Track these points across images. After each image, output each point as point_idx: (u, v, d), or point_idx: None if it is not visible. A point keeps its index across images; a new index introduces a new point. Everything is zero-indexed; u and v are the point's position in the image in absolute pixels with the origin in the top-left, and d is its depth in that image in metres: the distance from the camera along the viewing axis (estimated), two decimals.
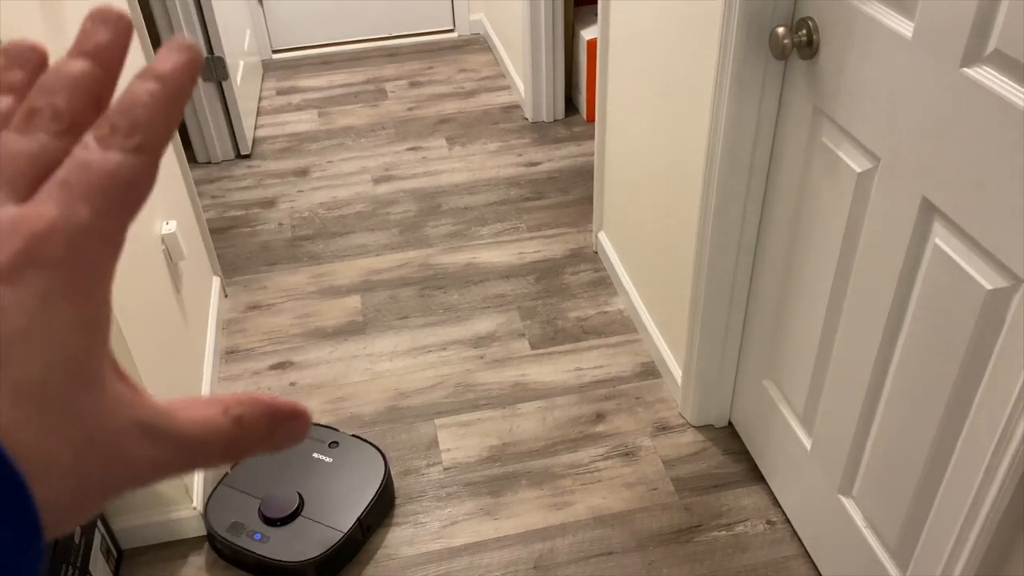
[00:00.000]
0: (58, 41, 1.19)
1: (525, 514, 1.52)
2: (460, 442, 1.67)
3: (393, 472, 1.60)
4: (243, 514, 1.41)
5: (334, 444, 1.54)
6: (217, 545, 1.41)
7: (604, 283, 2.08)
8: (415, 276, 2.14)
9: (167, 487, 1.44)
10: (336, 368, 1.86)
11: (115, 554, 1.45)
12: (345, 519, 1.42)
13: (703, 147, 1.41)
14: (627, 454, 1.62)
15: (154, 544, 1.48)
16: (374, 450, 1.55)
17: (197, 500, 1.49)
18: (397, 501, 1.55)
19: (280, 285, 2.13)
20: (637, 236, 1.87)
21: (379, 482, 1.49)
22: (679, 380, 1.70)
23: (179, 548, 1.48)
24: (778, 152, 1.31)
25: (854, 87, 1.08)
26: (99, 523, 1.39)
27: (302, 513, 1.42)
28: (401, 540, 1.48)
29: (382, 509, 1.50)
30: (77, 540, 1.29)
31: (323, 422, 1.71)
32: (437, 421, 1.72)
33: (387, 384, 1.81)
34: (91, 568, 1.33)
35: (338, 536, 1.38)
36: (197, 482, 1.51)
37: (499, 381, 1.81)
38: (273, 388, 1.82)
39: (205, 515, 1.42)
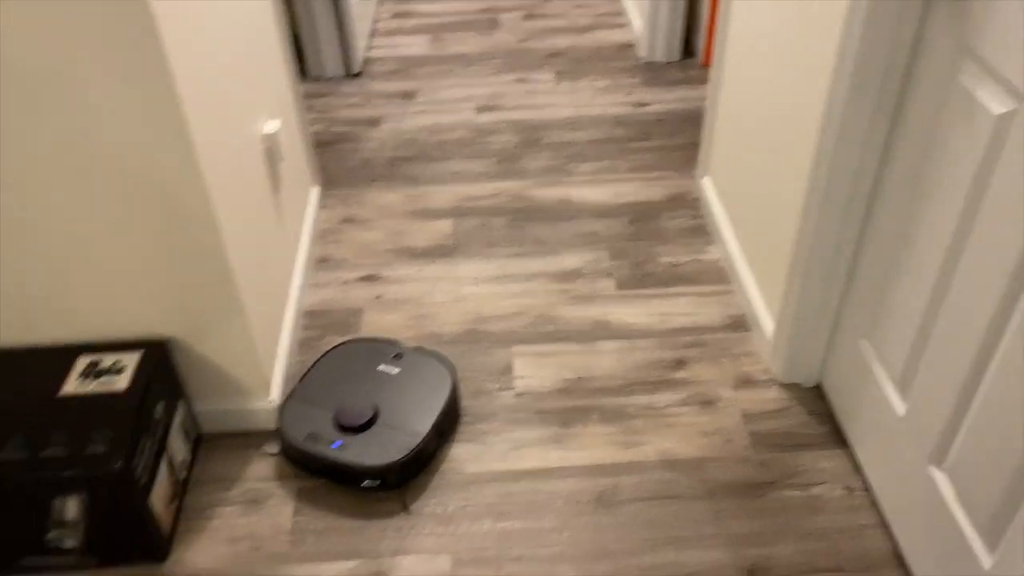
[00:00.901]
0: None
1: (593, 448, 1.49)
2: (535, 371, 1.65)
3: (464, 392, 1.60)
4: (318, 425, 1.43)
5: (398, 356, 1.56)
6: (293, 455, 1.44)
7: (701, 231, 2.01)
8: (508, 206, 2.11)
9: (248, 378, 1.48)
10: (421, 287, 1.87)
11: (193, 435, 1.51)
12: (421, 425, 1.43)
13: (824, 91, 1.32)
14: (705, 403, 1.57)
15: (230, 432, 1.54)
16: (438, 360, 1.56)
17: (275, 393, 1.53)
18: (465, 420, 1.55)
19: (376, 202, 2.14)
20: (743, 184, 1.79)
21: (448, 389, 1.51)
22: (770, 335, 1.62)
23: (254, 439, 1.53)
24: (907, 93, 1.21)
25: (1007, 17, 0.97)
26: (181, 402, 1.45)
27: (377, 422, 1.43)
28: (466, 456, 1.48)
29: (452, 418, 1.51)
30: (159, 415, 1.34)
31: (405, 336, 1.73)
32: (514, 348, 1.70)
33: (469, 307, 1.81)
34: (170, 443, 1.38)
35: (417, 440, 1.40)
36: (276, 376, 1.55)
37: (581, 317, 1.77)
38: (359, 299, 1.84)
39: (280, 428, 1.44)
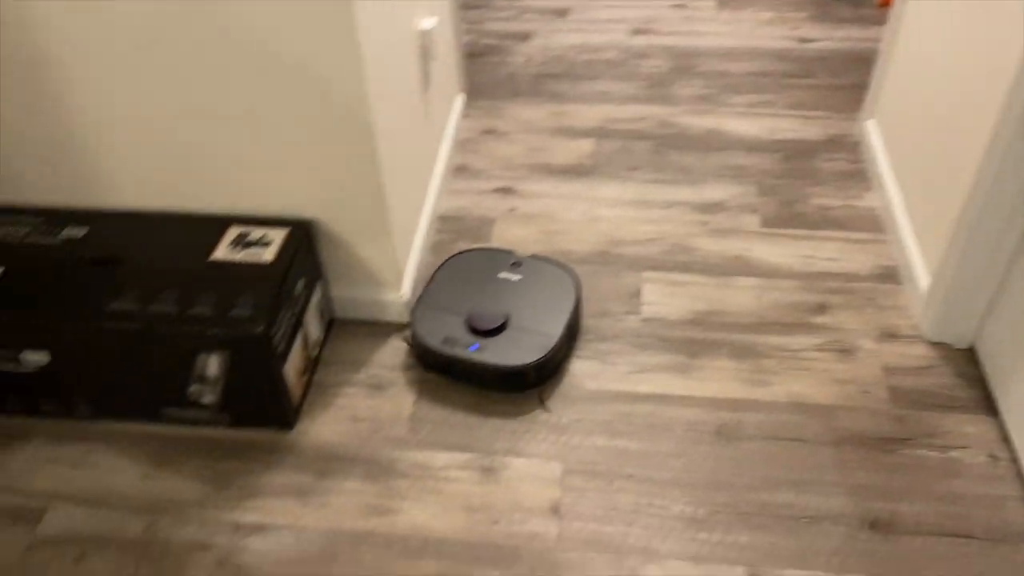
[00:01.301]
0: None
1: (718, 381, 1.45)
2: (665, 299, 1.61)
3: (590, 312, 1.58)
4: (452, 329, 1.45)
5: (516, 264, 1.56)
6: (430, 359, 1.46)
7: (859, 176, 1.88)
8: (653, 132, 2.05)
9: (384, 269, 1.51)
10: (556, 204, 1.85)
11: (327, 318, 1.56)
12: (553, 328, 1.44)
13: (1022, 42, 1.18)
14: (844, 351, 1.49)
15: (361, 320, 1.58)
16: (558, 267, 1.55)
17: (406, 287, 1.55)
18: (588, 338, 1.53)
19: (518, 116, 2.12)
20: (913, 131, 1.65)
21: (573, 294, 1.50)
22: (923, 290, 1.51)
23: (382, 329, 1.57)
24: None
25: None
26: (319, 283, 1.49)
27: (509, 325, 1.44)
28: (586, 373, 1.47)
29: (577, 325, 1.51)
30: (299, 291, 1.39)
31: (535, 251, 1.72)
32: (645, 274, 1.66)
33: (602, 228, 1.77)
34: (306, 320, 1.43)
35: (552, 342, 1.41)
36: (408, 272, 1.57)
37: (719, 250, 1.71)
38: (493, 209, 1.83)
39: (414, 333, 1.46)
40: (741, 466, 1.32)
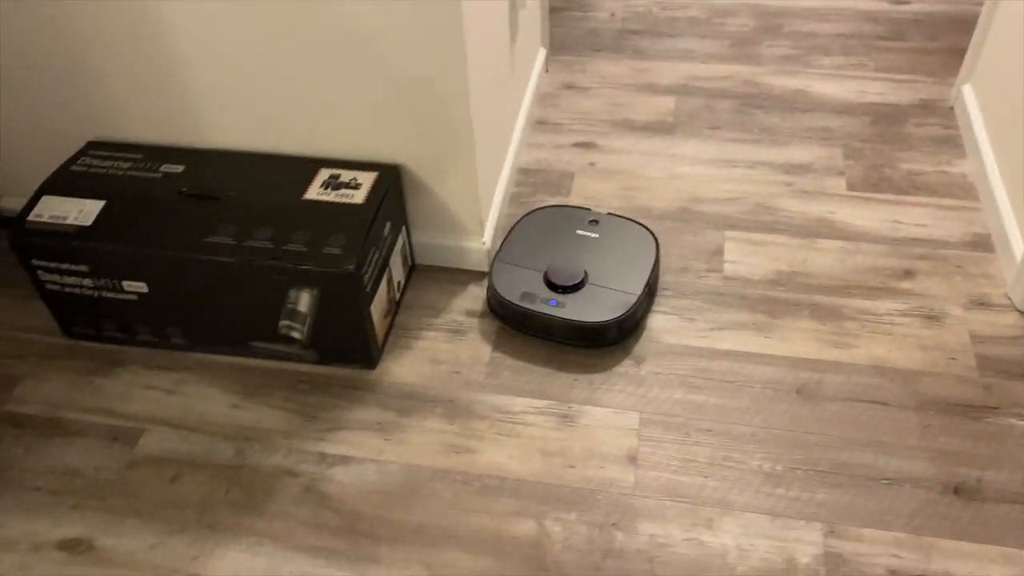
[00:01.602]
0: None
1: (799, 342, 1.43)
2: (746, 258, 1.59)
3: (670, 268, 1.58)
4: (530, 285, 1.46)
5: (594, 222, 1.56)
6: (508, 314, 1.47)
7: (952, 142, 1.82)
8: (736, 91, 2.01)
9: (466, 217, 1.53)
10: (636, 160, 1.84)
11: (409, 263, 1.59)
12: (633, 285, 1.44)
13: None
14: (930, 317, 1.46)
15: (442, 267, 1.60)
16: (637, 225, 1.55)
17: (487, 236, 1.57)
18: (667, 294, 1.53)
19: (599, 71, 2.10)
20: (1013, 96, 1.59)
21: (653, 252, 1.50)
22: (1018, 259, 1.47)
23: (462, 276, 1.59)
24: None
25: None
26: (404, 228, 1.52)
27: (588, 282, 1.45)
28: (664, 328, 1.47)
29: (656, 281, 1.51)
30: (386, 233, 1.42)
31: (614, 207, 1.71)
32: (727, 233, 1.65)
33: (683, 186, 1.76)
34: (391, 263, 1.46)
35: (633, 298, 1.41)
36: (490, 221, 1.59)
37: (803, 212, 1.68)
38: (572, 163, 1.83)
39: (492, 288, 1.47)
40: (820, 426, 1.31)
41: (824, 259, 1.58)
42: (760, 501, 1.22)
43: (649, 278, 1.46)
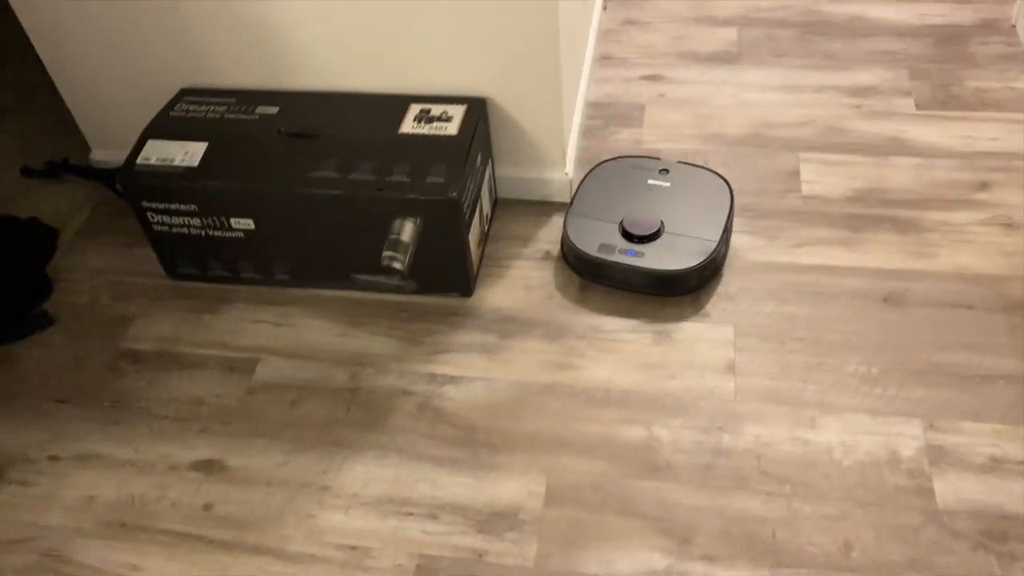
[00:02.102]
0: None
1: (882, 253, 1.48)
2: (823, 178, 1.63)
3: (748, 190, 1.62)
4: (606, 236, 1.47)
5: (664, 171, 1.56)
6: (586, 266, 1.49)
7: (1016, 59, 1.84)
8: (797, 20, 2.03)
9: (549, 148, 1.57)
10: (704, 89, 1.87)
11: (494, 195, 1.64)
12: (710, 232, 1.45)
13: None
14: (1009, 225, 1.49)
15: (525, 199, 1.65)
16: (708, 172, 1.55)
17: (569, 166, 1.61)
18: (749, 215, 1.57)
19: (657, 7, 2.12)
20: None
21: (728, 196, 1.51)
22: None
23: (545, 207, 1.64)
24: None
25: None
26: (491, 160, 1.57)
27: (664, 231, 1.47)
28: (750, 247, 1.52)
29: (731, 226, 1.51)
30: (478, 164, 1.46)
31: (688, 135, 1.75)
32: (801, 155, 1.68)
33: (753, 113, 1.79)
34: (481, 194, 1.51)
35: (712, 246, 1.43)
36: (571, 149, 1.63)
37: (874, 132, 1.71)
38: (641, 96, 1.87)
39: (568, 240, 1.49)
40: (911, 330, 1.36)
41: (900, 176, 1.61)
42: (859, 401, 1.27)
43: (726, 224, 1.47)
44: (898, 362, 1.32)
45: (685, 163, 1.59)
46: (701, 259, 1.42)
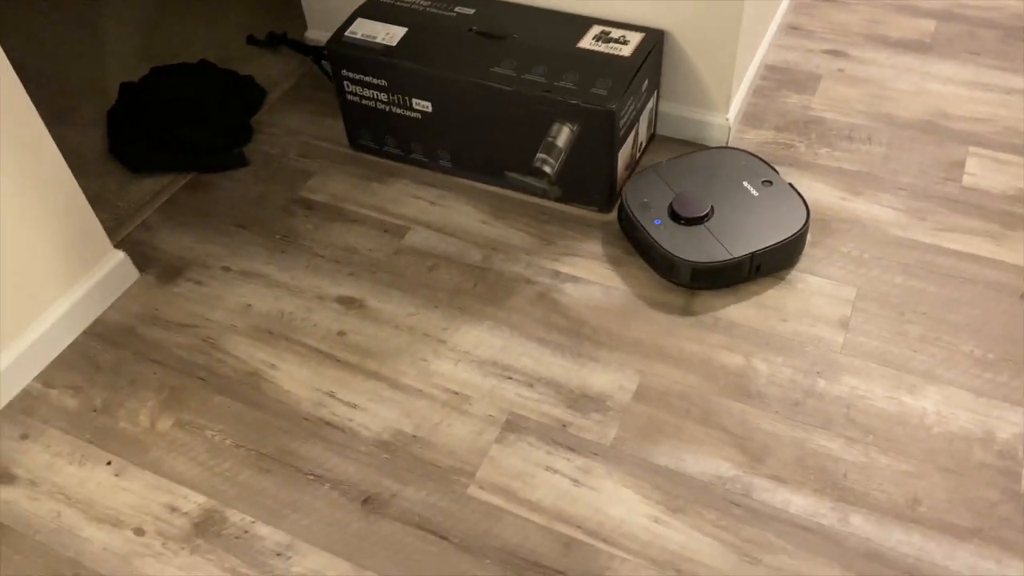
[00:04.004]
0: None
1: None
2: (988, 174, 1.59)
3: (907, 172, 1.61)
4: (656, 199, 1.49)
5: (767, 183, 1.51)
6: (622, 215, 1.52)
7: None
8: (1005, 22, 1.96)
9: (715, 91, 1.62)
10: (887, 72, 1.85)
11: (652, 129, 1.71)
12: (739, 247, 1.41)
13: None
14: None
15: (682, 139, 1.72)
16: (801, 203, 1.47)
17: (732, 113, 1.66)
18: (903, 194, 1.57)
19: None
20: None
21: (790, 232, 1.42)
22: None
23: (699, 149, 1.70)
24: None
25: None
26: (656, 92, 1.64)
27: (706, 223, 1.45)
28: (894, 222, 1.52)
29: (781, 258, 1.45)
30: (643, 89, 1.55)
31: (856, 111, 1.75)
32: (971, 148, 1.65)
33: (932, 102, 1.76)
34: (639, 122, 1.59)
35: (725, 256, 1.40)
36: (736, 100, 1.68)
37: None
38: (820, 67, 1.88)
39: (625, 187, 1.51)
40: None
41: None
42: (967, 379, 1.27)
43: (759, 251, 1.40)
44: (1018, 355, 1.30)
45: (792, 186, 1.51)
46: (703, 259, 1.40)
